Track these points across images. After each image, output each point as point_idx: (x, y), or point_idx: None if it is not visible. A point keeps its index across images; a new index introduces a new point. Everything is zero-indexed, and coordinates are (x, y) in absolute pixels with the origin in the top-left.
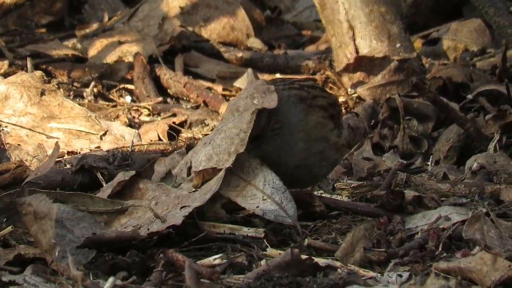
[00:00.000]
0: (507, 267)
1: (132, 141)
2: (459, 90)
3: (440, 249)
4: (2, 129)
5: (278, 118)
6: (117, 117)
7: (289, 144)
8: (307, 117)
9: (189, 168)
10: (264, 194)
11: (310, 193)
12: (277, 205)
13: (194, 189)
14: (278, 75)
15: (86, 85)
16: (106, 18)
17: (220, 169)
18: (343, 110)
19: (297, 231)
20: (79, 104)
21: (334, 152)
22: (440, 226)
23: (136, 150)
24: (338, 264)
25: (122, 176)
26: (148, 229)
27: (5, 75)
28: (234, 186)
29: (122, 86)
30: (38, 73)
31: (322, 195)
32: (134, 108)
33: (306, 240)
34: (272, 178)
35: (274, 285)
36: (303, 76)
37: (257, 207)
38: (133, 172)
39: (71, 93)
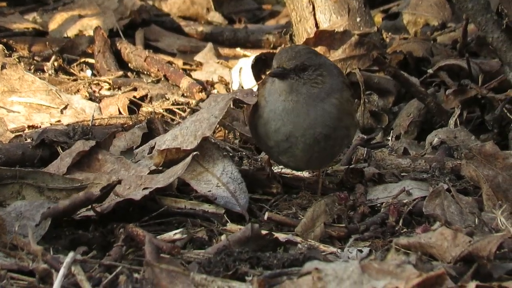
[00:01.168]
0: (467, 243)
1: (93, 115)
2: (419, 64)
3: (400, 224)
4: None
5: (324, 73)
6: (78, 91)
7: (323, 100)
8: (342, 92)
9: (152, 148)
10: (220, 182)
11: (268, 175)
12: (230, 193)
13: (154, 167)
14: (238, 49)
15: (47, 59)
16: None
17: (183, 150)
18: None
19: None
20: (40, 78)
21: (354, 131)
22: (401, 201)
23: (96, 124)
24: (298, 239)
25: (81, 145)
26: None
27: None
28: (191, 170)
29: (82, 60)
30: None
31: (282, 170)
32: (94, 82)
33: (266, 214)
34: (231, 169)
35: (234, 260)
36: (264, 50)
37: (209, 191)
38: (93, 142)
39: (32, 67)
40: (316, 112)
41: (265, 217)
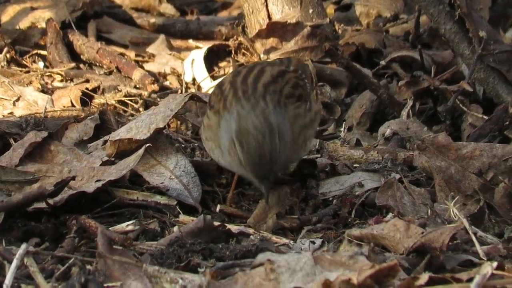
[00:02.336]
0: (420, 234)
1: (45, 107)
2: (372, 56)
3: (353, 215)
4: None
5: (283, 134)
6: (30, 83)
7: (287, 151)
8: (288, 115)
9: (106, 141)
10: (173, 174)
11: (216, 167)
12: (183, 186)
13: (107, 158)
14: (190, 41)
15: None
16: None
17: (136, 141)
18: None
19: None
20: None
21: (312, 129)
22: (353, 193)
23: (49, 116)
24: (251, 230)
25: (33, 136)
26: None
27: None
28: (144, 163)
29: (35, 52)
30: None
31: None
32: (47, 74)
33: (218, 206)
34: (185, 163)
35: (187, 252)
36: (217, 42)
37: (162, 183)
38: (45, 133)
39: None
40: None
41: (217, 209)
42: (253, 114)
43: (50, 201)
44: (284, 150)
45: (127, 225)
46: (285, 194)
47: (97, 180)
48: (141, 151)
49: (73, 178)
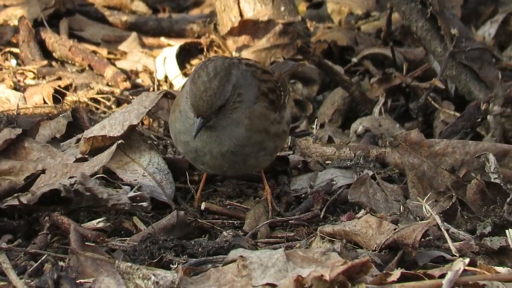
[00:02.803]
0: (392, 231)
1: (18, 104)
2: (344, 53)
3: (325, 212)
4: None
5: (240, 91)
6: (3, 80)
7: (238, 124)
8: (255, 105)
9: (79, 139)
10: (146, 172)
11: (189, 163)
12: (156, 183)
13: (80, 155)
14: (162, 39)
15: None
16: None
17: (109, 138)
18: None
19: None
20: None
21: (273, 142)
22: (326, 190)
23: (21, 114)
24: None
25: (8, 133)
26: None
27: None
28: (117, 160)
29: (7, 49)
30: None
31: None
32: (19, 71)
33: (203, 204)
34: (158, 161)
35: (159, 248)
36: (189, 40)
37: (135, 180)
38: (19, 130)
39: None
40: (225, 135)
41: (202, 207)
42: (221, 60)
43: (23, 200)
44: (240, 110)
45: (98, 222)
46: (266, 202)
47: (71, 177)
48: (113, 147)
49: (43, 171)
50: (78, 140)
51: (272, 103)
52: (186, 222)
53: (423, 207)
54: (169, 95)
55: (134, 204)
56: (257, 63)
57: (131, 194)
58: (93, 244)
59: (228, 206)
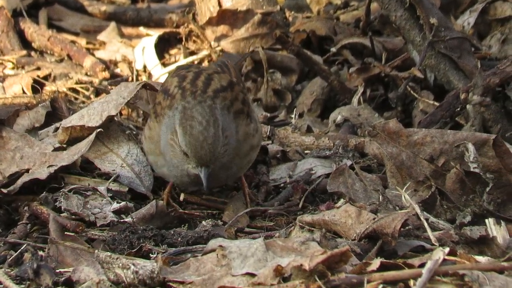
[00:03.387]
0: (372, 220)
1: None
2: (322, 43)
3: (304, 202)
4: None
5: (226, 134)
6: None
7: (231, 163)
8: (238, 134)
9: (58, 127)
10: (124, 162)
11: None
12: (135, 174)
13: (58, 144)
14: (141, 29)
15: None
16: None
17: (88, 128)
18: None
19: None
20: None
21: (256, 151)
22: (305, 179)
23: (0, 104)
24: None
25: None
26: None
27: None
28: (95, 150)
29: None
30: None
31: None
32: None
33: (182, 195)
34: (137, 152)
35: (139, 238)
36: (167, 30)
37: (113, 170)
38: None
39: None
40: (221, 174)
41: (181, 198)
42: (200, 106)
43: (4, 190)
44: (229, 152)
45: None
46: (240, 206)
47: (49, 166)
48: (92, 136)
49: (27, 170)
50: (56, 129)
51: (248, 115)
52: (165, 212)
53: (402, 196)
54: (147, 86)
55: (117, 220)
56: (216, 76)
57: (115, 206)
58: (73, 234)
59: (204, 198)
